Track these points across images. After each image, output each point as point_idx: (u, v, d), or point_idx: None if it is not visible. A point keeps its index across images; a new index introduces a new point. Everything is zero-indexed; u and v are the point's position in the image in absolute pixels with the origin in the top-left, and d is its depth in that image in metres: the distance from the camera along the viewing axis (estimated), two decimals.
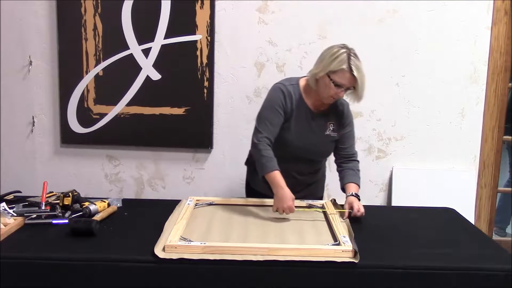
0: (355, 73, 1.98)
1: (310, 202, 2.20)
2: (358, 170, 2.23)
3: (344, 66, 1.97)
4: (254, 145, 2.11)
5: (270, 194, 2.08)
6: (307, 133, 2.15)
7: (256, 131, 2.13)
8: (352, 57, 1.99)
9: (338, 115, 2.19)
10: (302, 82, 2.17)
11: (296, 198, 2.04)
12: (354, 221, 1.99)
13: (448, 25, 2.88)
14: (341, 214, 2.04)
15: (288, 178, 2.05)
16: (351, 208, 2.03)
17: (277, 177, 2.01)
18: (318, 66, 2.06)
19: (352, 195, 2.10)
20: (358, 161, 2.26)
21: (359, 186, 2.18)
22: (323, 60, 2.04)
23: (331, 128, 2.18)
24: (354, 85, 2.02)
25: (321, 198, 2.37)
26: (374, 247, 1.75)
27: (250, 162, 2.31)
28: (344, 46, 2.03)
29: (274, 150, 2.09)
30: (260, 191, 2.26)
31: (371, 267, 1.61)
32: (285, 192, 1.98)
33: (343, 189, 2.19)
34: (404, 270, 1.61)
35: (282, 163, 2.07)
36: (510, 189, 3.27)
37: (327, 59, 2.02)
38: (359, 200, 2.10)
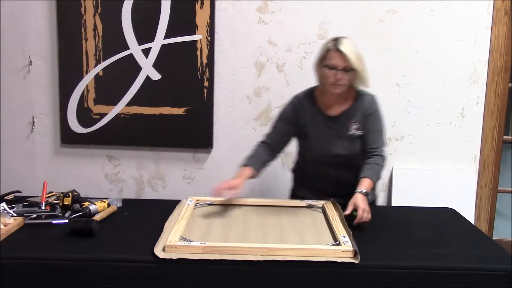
0: (341, 47, 2.01)
1: (310, 202, 2.20)
2: (377, 164, 2.10)
3: (329, 45, 2.04)
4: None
5: (314, 198, 2.21)
6: (328, 138, 2.16)
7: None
8: (337, 38, 2.03)
9: (360, 111, 2.15)
10: (317, 90, 2.19)
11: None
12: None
13: (448, 25, 2.88)
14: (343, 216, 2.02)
15: (329, 182, 2.13)
16: (355, 210, 1.96)
17: (240, 170, 2.16)
18: (315, 65, 2.11)
19: (358, 192, 2.01)
20: (381, 155, 2.13)
21: (372, 180, 2.06)
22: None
23: (354, 126, 2.14)
24: (347, 64, 2.01)
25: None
26: (374, 247, 1.75)
27: (294, 169, 2.42)
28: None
29: (308, 159, 2.25)
30: (303, 197, 2.28)
31: (371, 267, 1.61)
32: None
33: None
34: (404, 270, 1.61)
35: (320, 170, 2.22)
36: (510, 189, 3.26)
37: (318, 53, 2.07)
38: (367, 197, 2.00)
